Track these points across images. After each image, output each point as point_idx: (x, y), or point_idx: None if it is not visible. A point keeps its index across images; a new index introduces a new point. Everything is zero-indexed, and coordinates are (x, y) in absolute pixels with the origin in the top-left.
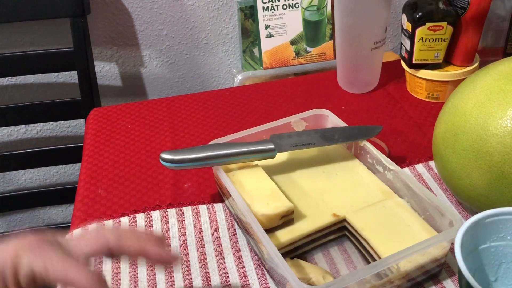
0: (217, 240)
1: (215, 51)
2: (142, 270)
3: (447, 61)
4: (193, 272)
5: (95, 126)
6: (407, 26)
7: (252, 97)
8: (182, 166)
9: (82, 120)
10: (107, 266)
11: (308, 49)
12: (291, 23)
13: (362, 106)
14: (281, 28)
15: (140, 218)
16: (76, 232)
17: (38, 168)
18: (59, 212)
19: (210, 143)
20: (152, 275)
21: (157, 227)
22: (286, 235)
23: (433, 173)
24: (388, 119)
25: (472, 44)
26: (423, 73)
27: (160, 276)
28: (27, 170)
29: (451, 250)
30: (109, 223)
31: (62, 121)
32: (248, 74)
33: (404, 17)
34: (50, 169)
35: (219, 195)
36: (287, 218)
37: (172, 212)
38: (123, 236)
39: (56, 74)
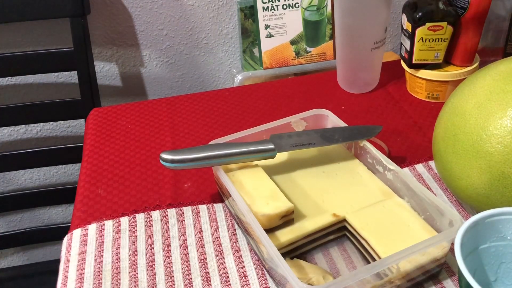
0: (217, 240)
1: (215, 51)
2: (142, 270)
3: (447, 61)
4: (193, 272)
5: (95, 126)
6: (407, 26)
7: (252, 97)
8: (182, 166)
9: (82, 120)
10: (107, 267)
11: (308, 49)
12: (291, 23)
13: (362, 106)
14: (281, 28)
15: (140, 218)
16: (76, 232)
17: (38, 168)
18: (59, 212)
19: (210, 143)
20: (152, 275)
21: (157, 227)
22: (286, 235)
23: (433, 173)
24: (388, 119)
25: (472, 44)
26: (423, 73)
27: (160, 276)
28: (27, 170)
29: (451, 250)
30: (109, 223)
31: (62, 121)
32: (248, 74)
33: (404, 17)
34: (50, 169)
35: (219, 195)
36: (287, 218)
37: (172, 212)
38: None
39: (56, 74)
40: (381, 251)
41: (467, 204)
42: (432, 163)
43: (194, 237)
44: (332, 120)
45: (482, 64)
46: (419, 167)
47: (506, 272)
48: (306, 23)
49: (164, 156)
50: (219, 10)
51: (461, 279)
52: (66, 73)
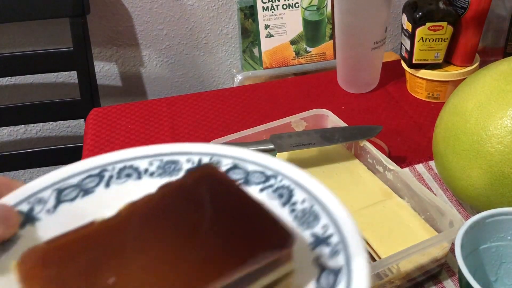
0: None
1: (215, 51)
2: None
3: (447, 61)
4: None
5: (95, 126)
6: (407, 26)
7: (252, 97)
8: None
9: (82, 120)
10: None
11: (308, 49)
12: (291, 23)
13: (362, 106)
14: (281, 28)
15: None
16: None
17: (38, 168)
18: None
19: (210, 143)
20: None
21: None
22: None
23: (433, 173)
24: (388, 119)
25: (472, 44)
26: (423, 73)
27: None
28: (27, 170)
29: (451, 250)
30: None
31: (62, 121)
32: (248, 74)
33: (404, 17)
34: (50, 169)
35: None
36: None
37: None
38: None
39: (56, 74)
40: (381, 251)
41: (468, 204)
42: (432, 163)
43: None
44: (332, 120)
45: (482, 64)
46: (419, 167)
47: (507, 272)
48: (306, 23)
49: None
50: (219, 10)
51: (461, 279)
52: (66, 73)
